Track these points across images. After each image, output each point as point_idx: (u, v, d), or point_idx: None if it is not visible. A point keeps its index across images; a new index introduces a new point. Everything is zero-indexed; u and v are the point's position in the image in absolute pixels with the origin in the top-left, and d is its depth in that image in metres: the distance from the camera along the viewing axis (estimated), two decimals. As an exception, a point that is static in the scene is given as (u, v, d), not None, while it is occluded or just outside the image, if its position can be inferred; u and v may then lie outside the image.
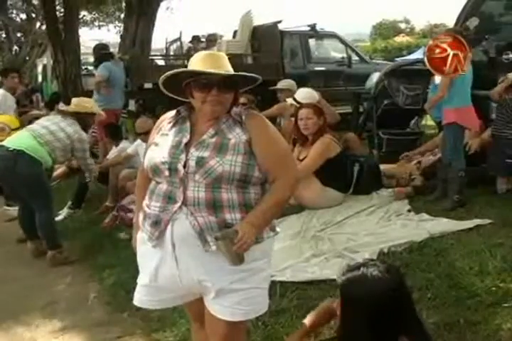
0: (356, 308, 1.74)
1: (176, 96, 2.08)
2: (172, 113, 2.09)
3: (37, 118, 7.71)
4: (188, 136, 1.99)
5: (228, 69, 1.99)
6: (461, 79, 4.42)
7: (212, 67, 1.93)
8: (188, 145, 1.96)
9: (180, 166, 1.92)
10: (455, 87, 4.40)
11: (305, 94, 5.79)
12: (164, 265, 1.99)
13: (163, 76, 1.99)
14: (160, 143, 2.02)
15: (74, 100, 4.78)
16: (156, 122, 2.17)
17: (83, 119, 4.60)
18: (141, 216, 2.08)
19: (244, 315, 2.02)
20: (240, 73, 1.99)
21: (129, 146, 5.60)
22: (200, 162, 1.91)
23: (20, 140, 4.26)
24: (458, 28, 5.10)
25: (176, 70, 1.98)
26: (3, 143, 4.30)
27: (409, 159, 5.42)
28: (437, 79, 4.79)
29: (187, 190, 1.92)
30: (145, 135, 4.50)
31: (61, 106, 5.20)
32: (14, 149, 4.14)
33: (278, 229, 2.12)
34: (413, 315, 1.83)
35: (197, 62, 1.98)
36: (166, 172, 1.94)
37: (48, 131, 4.32)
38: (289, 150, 2.24)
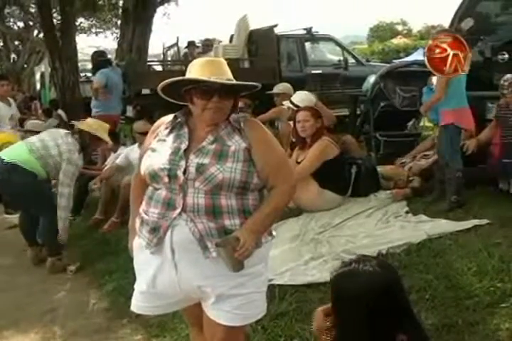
0: (347, 304, 1.73)
1: (174, 101, 2.08)
2: (169, 118, 2.09)
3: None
4: (187, 142, 1.99)
5: (228, 75, 1.99)
6: (457, 80, 4.42)
7: (212, 74, 1.93)
8: (186, 151, 1.97)
9: (179, 173, 1.93)
10: (452, 88, 4.40)
11: (302, 97, 5.81)
12: (163, 271, 1.99)
13: (163, 82, 2.00)
14: (157, 148, 2.02)
15: (88, 120, 4.78)
16: (152, 126, 2.16)
17: (86, 141, 4.47)
18: (137, 222, 2.09)
19: (244, 319, 2.04)
20: (241, 83, 1.99)
21: (122, 153, 5.60)
22: (200, 168, 1.92)
23: (15, 152, 4.25)
24: (449, 30, 5.09)
25: (177, 78, 1.97)
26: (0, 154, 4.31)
27: (403, 164, 5.40)
28: (434, 81, 4.79)
29: (186, 196, 1.93)
30: (143, 135, 4.45)
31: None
32: (8, 162, 4.16)
33: (274, 233, 2.14)
34: (409, 313, 1.82)
35: (197, 69, 1.97)
36: (166, 179, 1.95)
37: (43, 145, 4.27)
38: (286, 158, 2.27)
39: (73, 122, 4.84)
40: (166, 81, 1.99)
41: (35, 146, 4.26)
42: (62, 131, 4.51)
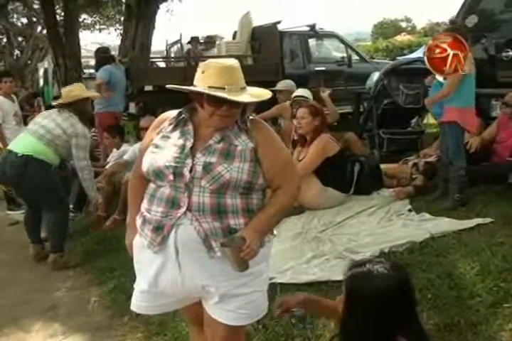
0: (360, 305, 1.73)
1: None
2: (173, 113, 2.07)
3: None
4: (192, 140, 1.97)
5: (243, 83, 1.96)
6: (470, 80, 4.38)
7: (228, 83, 1.89)
8: (192, 149, 1.95)
9: (186, 171, 1.91)
10: (465, 86, 4.34)
11: (307, 91, 5.86)
12: (165, 270, 1.98)
13: (179, 87, 1.98)
14: (161, 145, 2.00)
15: (62, 91, 4.67)
16: (155, 121, 2.14)
17: (79, 108, 4.43)
18: (139, 220, 2.07)
19: (246, 319, 2.04)
20: (255, 100, 1.97)
21: (128, 149, 5.58)
22: (207, 167, 1.90)
23: (26, 144, 4.23)
24: (457, 25, 5.03)
25: (198, 89, 1.92)
26: (11, 147, 4.30)
27: (406, 162, 5.38)
28: (438, 76, 4.74)
29: (192, 195, 1.91)
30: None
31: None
32: (23, 155, 4.15)
33: (276, 232, 2.13)
34: (413, 314, 1.82)
35: (212, 75, 1.91)
36: (171, 177, 1.92)
37: (46, 130, 4.27)
38: (292, 158, 2.27)
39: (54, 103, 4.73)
40: (183, 87, 1.97)
41: (40, 133, 4.25)
42: (54, 110, 4.48)
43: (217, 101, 1.90)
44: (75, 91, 4.54)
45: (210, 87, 1.89)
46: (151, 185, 2.03)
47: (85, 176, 4.48)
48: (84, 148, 4.40)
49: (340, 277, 3.14)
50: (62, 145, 4.30)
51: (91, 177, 4.55)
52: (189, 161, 1.92)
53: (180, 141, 1.97)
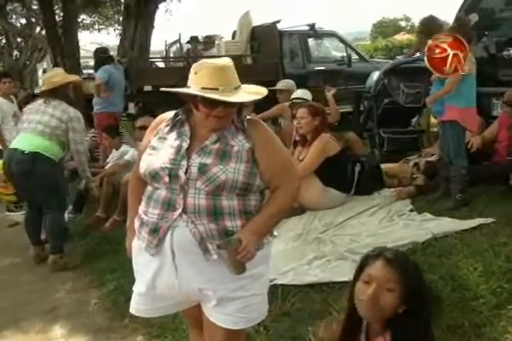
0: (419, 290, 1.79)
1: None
2: (170, 115, 2.05)
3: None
4: (188, 141, 1.94)
5: (237, 83, 1.93)
6: (470, 79, 4.35)
7: (221, 84, 1.86)
8: (188, 150, 1.92)
9: (181, 172, 1.89)
10: (465, 86, 4.31)
11: (304, 92, 5.84)
12: (162, 273, 1.96)
13: (171, 89, 1.95)
14: (158, 147, 1.98)
15: (43, 78, 4.66)
16: (152, 122, 2.11)
17: (62, 93, 4.40)
18: (137, 223, 2.05)
19: (245, 322, 2.01)
20: (248, 100, 1.94)
21: (129, 150, 5.57)
22: (203, 168, 1.87)
23: (30, 142, 4.20)
24: (461, 22, 4.96)
25: (191, 91, 1.89)
26: (15, 146, 4.26)
27: (407, 161, 5.35)
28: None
29: (187, 196, 1.89)
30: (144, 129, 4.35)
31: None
32: (30, 152, 4.13)
33: (276, 233, 2.11)
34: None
35: (204, 75, 1.88)
36: (166, 179, 1.90)
37: (44, 125, 4.23)
38: (291, 158, 2.24)
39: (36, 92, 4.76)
40: (175, 90, 1.94)
41: (40, 130, 4.22)
42: (40, 102, 4.42)
43: (212, 103, 1.87)
44: (55, 77, 4.48)
45: (203, 88, 1.86)
46: (148, 187, 2.01)
47: (82, 159, 4.55)
48: (80, 131, 4.41)
49: (341, 278, 3.16)
50: (62, 134, 4.30)
51: (86, 160, 4.65)
52: (184, 163, 1.90)
53: (177, 142, 1.95)
